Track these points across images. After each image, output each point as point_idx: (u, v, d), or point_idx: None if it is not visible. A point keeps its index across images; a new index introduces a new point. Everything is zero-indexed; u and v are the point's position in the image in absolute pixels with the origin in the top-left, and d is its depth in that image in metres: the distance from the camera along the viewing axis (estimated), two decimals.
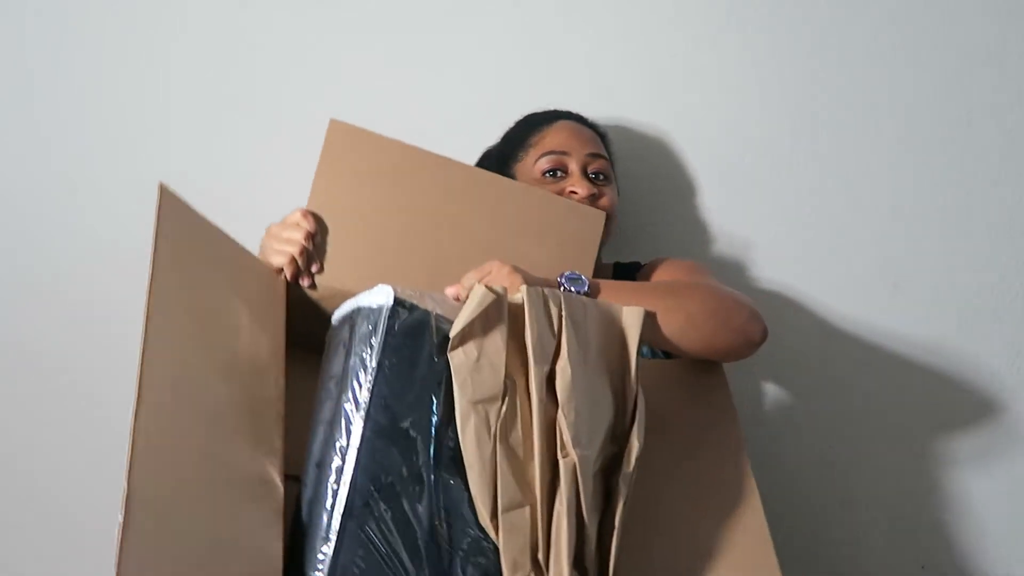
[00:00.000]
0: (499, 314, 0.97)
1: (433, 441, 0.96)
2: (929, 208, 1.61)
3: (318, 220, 1.15)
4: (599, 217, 1.25)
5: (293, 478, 1.02)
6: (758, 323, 1.16)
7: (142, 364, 0.86)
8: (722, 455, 1.11)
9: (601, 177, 1.39)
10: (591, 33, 1.62)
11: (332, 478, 0.95)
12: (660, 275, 1.37)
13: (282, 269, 1.14)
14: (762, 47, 1.61)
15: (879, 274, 1.61)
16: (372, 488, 0.94)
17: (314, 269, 1.16)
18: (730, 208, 1.61)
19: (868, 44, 1.62)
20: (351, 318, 1.01)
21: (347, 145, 1.18)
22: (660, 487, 1.08)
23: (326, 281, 1.16)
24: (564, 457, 0.96)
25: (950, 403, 1.60)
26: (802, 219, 1.61)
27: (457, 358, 0.96)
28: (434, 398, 0.96)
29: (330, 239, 1.17)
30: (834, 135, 1.61)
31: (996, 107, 1.62)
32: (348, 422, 0.95)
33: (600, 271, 1.39)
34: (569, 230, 1.23)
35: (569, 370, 0.97)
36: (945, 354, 1.60)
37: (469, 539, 0.96)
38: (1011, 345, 1.60)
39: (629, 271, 1.44)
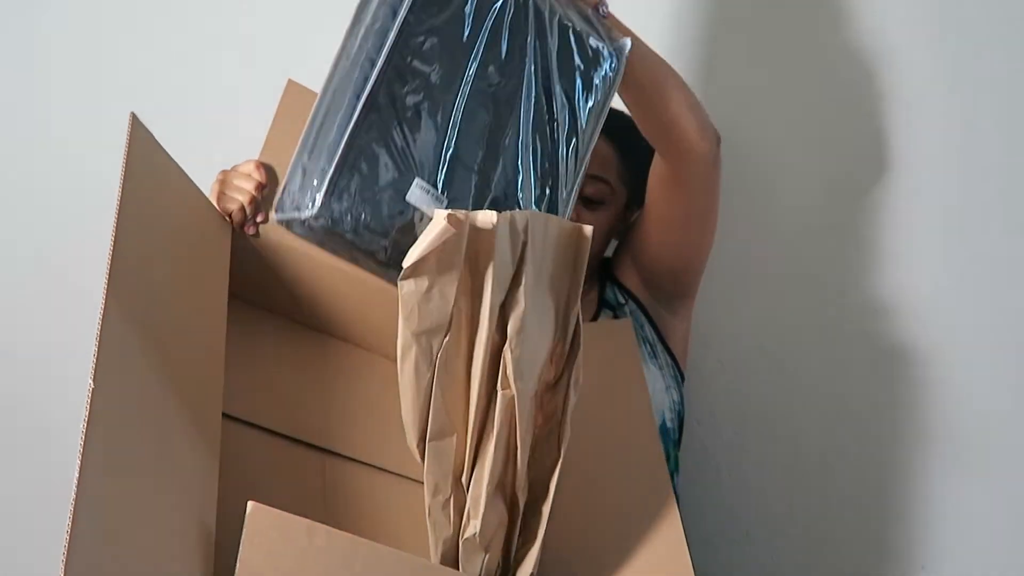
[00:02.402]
0: (458, 246, 0.93)
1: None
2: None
3: (269, 173, 1.19)
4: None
5: (229, 417, 1.05)
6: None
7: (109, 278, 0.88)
8: (629, 415, 1.18)
9: (593, 202, 1.39)
10: None
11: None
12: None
13: (230, 215, 1.17)
14: (767, 42, 1.61)
15: (877, 275, 1.59)
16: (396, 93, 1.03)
17: (260, 219, 1.19)
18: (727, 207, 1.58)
19: (874, 44, 1.58)
20: None
21: (301, 106, 1.22)
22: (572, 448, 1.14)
23: (269, 232, 1.20)
24: (504, 390, 0.96)
25: (951, 404, 1.59)
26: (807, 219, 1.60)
27: (407, 288, 0.92)
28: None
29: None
30: (843, 131, 1.59)
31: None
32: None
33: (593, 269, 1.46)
34: None
35: (523, 303, 0.95)
36: (943, 359, 1.58)
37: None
38: (1013, 351, 1.58)
39: (608, 264, 1.51)
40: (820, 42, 1.59)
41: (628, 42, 1.14)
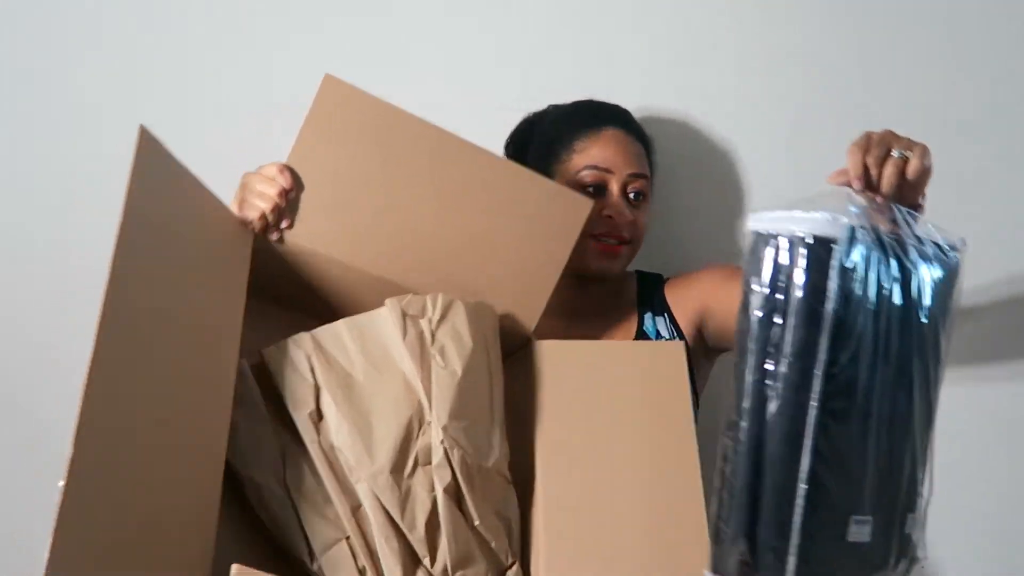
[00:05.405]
0: (248, 383, 1.06)
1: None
2: None
3: (294, 176, 1.14)
4: (586, 204, 1.22)
5: None
6: None
7: (104, 307, 0.85)
8: (669, 440, 1.12)
9: (640, 197, 1.37)
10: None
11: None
12: (707, 278, 1.37)
13: (252, 220, 1.13)
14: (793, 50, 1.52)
15: None
16: None
17: (284, 224, 1.14)
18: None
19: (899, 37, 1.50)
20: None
21: (339, 102, 1.15)
22: (604, 469, 1.10)
23: (294, 237, 1.15)
24: (358, 482, 1.01)
25: (952, 404, 1.52)
26: None
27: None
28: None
29: (305, 195, 1.15)
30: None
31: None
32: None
33: (625, 279, 1.42)
34: (553, 213, 1.22)
35: (333, 404, 1.03)
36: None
37: None
38: (1010, 345, 1.55)
39: (653, 281, 1.43)
40: None
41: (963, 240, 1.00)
